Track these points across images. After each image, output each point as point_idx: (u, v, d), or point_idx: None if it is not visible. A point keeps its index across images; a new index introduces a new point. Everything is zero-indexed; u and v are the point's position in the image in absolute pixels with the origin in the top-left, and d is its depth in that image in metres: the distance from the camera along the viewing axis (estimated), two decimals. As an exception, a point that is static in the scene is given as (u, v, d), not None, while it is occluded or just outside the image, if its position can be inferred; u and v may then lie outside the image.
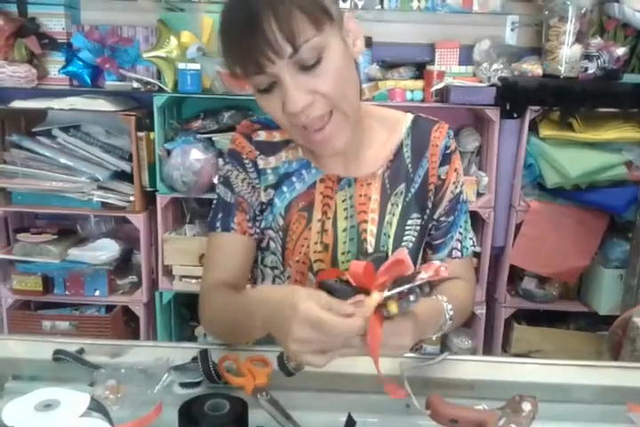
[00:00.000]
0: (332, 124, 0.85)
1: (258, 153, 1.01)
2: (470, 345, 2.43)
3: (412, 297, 0.73)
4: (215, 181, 1.05)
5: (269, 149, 1.01)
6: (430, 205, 1.04)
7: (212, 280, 0.99)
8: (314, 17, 0.78)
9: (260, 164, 1.01)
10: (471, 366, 0.97)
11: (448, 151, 1.03)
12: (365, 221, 1.00)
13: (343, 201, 1.00)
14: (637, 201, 2.18)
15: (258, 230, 1.03)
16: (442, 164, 1.03)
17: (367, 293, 0.72)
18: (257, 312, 0.77)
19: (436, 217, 1.05)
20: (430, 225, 1.06)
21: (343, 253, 1.01)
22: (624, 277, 2.26)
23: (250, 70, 0.80)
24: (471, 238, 1.09)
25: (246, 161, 1.01)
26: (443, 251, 1.07)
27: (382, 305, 0.72)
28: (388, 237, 1.01)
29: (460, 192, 1.06)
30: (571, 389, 0.92)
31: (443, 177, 1.03)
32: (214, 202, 1.04)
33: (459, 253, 1.07)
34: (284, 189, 1.01)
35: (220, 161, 1.04)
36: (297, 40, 0.77)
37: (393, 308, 0.72)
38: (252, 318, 0.78)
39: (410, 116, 1.05)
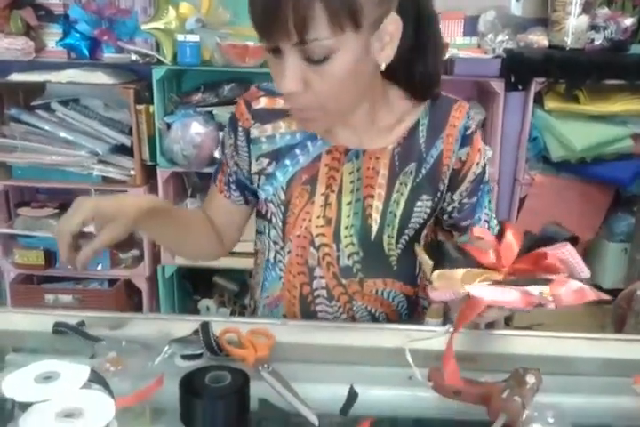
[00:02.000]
0: (314, 112, 0.84)
1: (253, 122, 0.99)
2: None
3: None
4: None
5: (267, 116, 0.98)
6: (442, 187, 1.00)
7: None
8: (335, 20, 0.74)
9: (254, 132, 0.99)
10: (474, 339, 0.96)
11: (468, 132, 0.98)
12: (371, 196, 0.98)
13: (350, 173, 0.97)
14: (643, 174, 2.16)
15: (234, 195, 1.05)
16: (462, 145, 0.98)
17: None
18: None
19: (457, 199, 1.02)
20: (451, 208, 1.03)
21: (346, 228, 0.98)
22: (629, 250, 2.26)
23: (260, 33, 0.78)
24: (495, 218, 1.07)
25: (239, 128, 1.00)
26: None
27: None
28: (395, 216, 0.98)
29: (483, 173, 1.02)
30: (575, 361, 0.91)
31: (463, 159, 0.99)
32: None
33: None
34: (287, 162, 0.98)
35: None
36: (306, 35, 0.74)
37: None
38: None
39: None
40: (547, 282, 0.69)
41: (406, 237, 1.00)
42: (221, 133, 2.13)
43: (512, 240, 0.74)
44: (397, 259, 1.01)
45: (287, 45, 0.76)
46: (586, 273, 0.72)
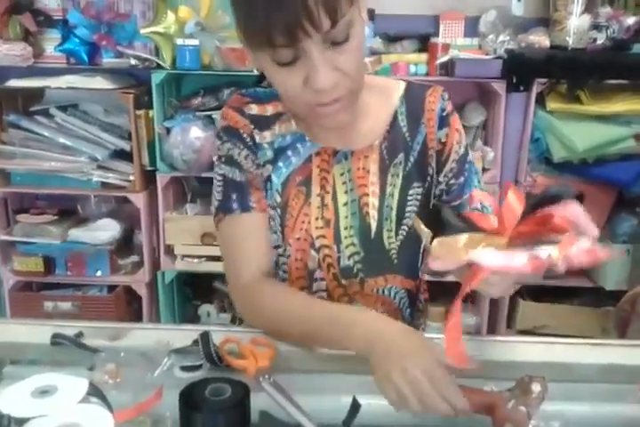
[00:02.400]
0: (344, 102, 0.84)
1: (252, 127, 0.97)
2: (475, 322, 2.42)
3: None
4: (215, 161, 0.99)
5: (263, 123, 0.97)
6: (431, 171, 1.01)
7: (253, 272, 0.94)
8: None
9: (257, 138, 0.97)
10: (478, 346, 0.95)
11: (445, 113, 1.00)
12: (366, 195, 0.98)
13: (341, 175, 0.98)
14: (646, 175, 2.14)
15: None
16: (440, 127, 1.00)
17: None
18: (360, 337, 0.78)
19: (443, 181, 1.02)
20: (439, 191, 1.03)
21: (346, 229, 0.98)
22: (631, 251, 2.24)
23: (278, 42, 0.75)
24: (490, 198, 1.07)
25: (244, 135, 0.97)
26: (461, 211, 1.01)
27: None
28: (391, 209, 0.99)
29: (466, 153, 1.03)
30: (580, 368, 0.90)
31: (443, 140, 1.00)
32: (219, 184, 0.97)
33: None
34: (280, 164, 0.97)
35: (217, 141, 0.98)
36: (337, 14, 0.74)
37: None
38: (346, 339, 0.79)
39: (402, 84, 1.01)
40: (554, 243, 0.65)
41: (405, 228, 1.00)
42: (217, 140, 2.12)
43: (514, 202, 0.70)
44: (397, 252, 1.01)
45: (313, 40, 0.75)
46: (595, 232, 0.68)
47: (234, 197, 0.96)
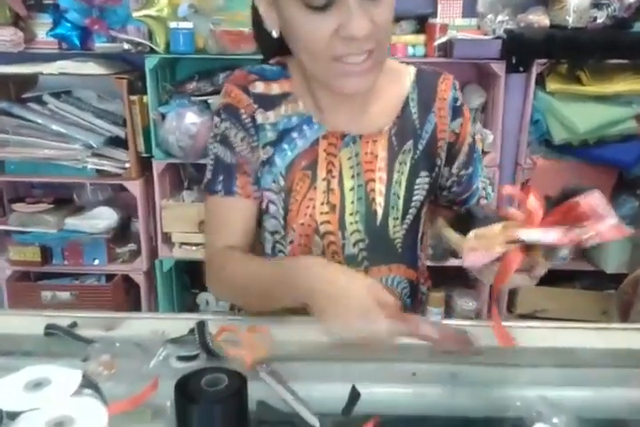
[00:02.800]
0: (372, 59, 0.82)
1: (256, 106, 0.93)
2: (474, 306, 2.41)
3: (564, 251, 0.73)
4: (210, 138, 0.96)
5: (268, 102, 0.94)
6: (439, 162, 0.99)
7: (220, 244, 0.95)
8: None
9: (259, 118, 0.94)
10: (479, 332, 0.93)
11: (458, 104, 0.98)
12: (373, 180, 0.95)
13: (349, 159, 0.95)
14: (647, 156, 2.12)
15: (260, 192, 0.98)
16: (454, 117, 0.98)
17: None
18: (297, 282, 0.79)
19: (455, 172, 1.01)
20: (450, 182, 1.02)
21: (351, 214, 0.96)
22: (632, 234, 2.22)
23: None
24: (490, 184, 1.08)
25: (244, 116, 0.93)
26: (471, 202, 1.04)
27: (526, 248, 0.73)
28: (398, 197, 0.96)
29: (474, 141, 1.02)
30: (582, 352, 0.89)
31: (457, 131, 0.98)
32: (210, 162, 0.97)
33: (484, 201, 1.05)
34: (285, 146, 0.94)
35: (215, 118, 0.94)
36: None
37: (537, 254, 0.73)
38: (287, 288, 0.81)
39: (412, 69, 0.99)
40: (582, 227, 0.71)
41: (410, 217, 0.99)
42: (215, 117, 2.10)
43: (535, 205, 0.76)
44: (402, 241, 1.00)
45: None
46: (615, 218, 0.73)
47: (220, 178, 0.95)
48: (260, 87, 0.94)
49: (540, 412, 0.70)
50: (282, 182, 0.95)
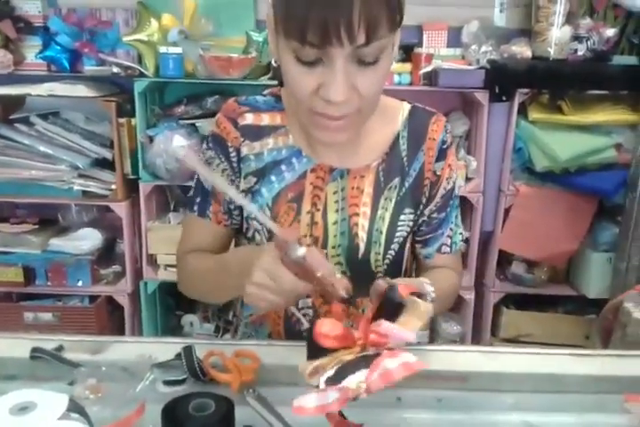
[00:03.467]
0: (350, 119, 0.82)
1: (242, 140, 0.96)
2: (459, 330, 2.42)
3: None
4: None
5: (255, 133, 0.96)
6: (424, 200, 1.00)
7: (187, 249, 1.03)
8: (393, 17, 0.74)
9: (244, 151, 0.96)
10: (462, 357, 0.94)
11: (444, 146, 0.99)
12: (357, 215, 0.96)
13: (334, 193, 0.96)
14: (626, 184, 2.16)
15: (236, 220, 1.01)
16: (438, 159, 0.98)
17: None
18: (234, 269, 0.84)
19: (427, 213, 1.01)
20: (420, 221, 1.02)
21: (334, 247, 0.97)
22: (613, 260, 2.26)
23: (309, 38, 0.72)
24: (461, 233, 1.06)
25: (230, 149, 0.96)
26: (433, 246, 1.03)
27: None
28: (380, 233, 0.97)
29: (453, 188, 1.02)
30: (565, 378, 0.90)
31: (438, 173, 0.99)
32: (194, 181, 1.02)
33: (448, 249, 1.04)
34: (273, 178, 0.96)
35: (204, 144, 0.99)
36: (374, 34, 0.73)
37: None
38: (229, 276, 0.85)
39: (407, 106, 1.00)
40: (370, 361, 0.69)
41: (392, 253, 0.99)
42: (204, 143, 2.11)
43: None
44: (384, 274, 1.00)
45: (343, 50, 0.73)
46: (411, 337, 0.72)
47: (197, 200, 1.01)
48: (249, 119, 0.96)
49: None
50: (268, 213, 0.96)
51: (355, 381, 0.67)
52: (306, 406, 0.66)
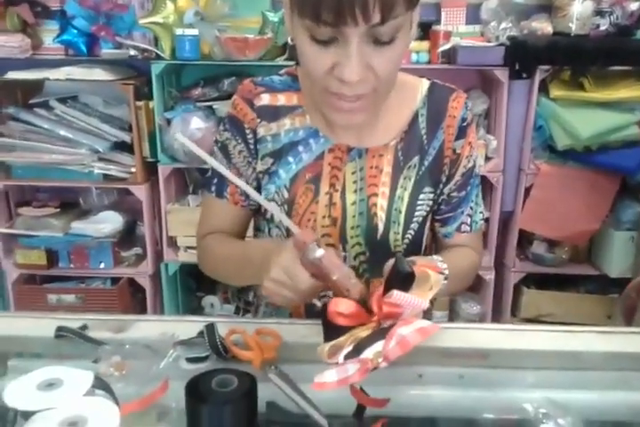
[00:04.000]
0: (365, 99, 0.81)
1: (259, 120, 0.95)
2: (479, 311, 2.42)
3: None
4: (214, 141, 1.01)
5: (271, 114, 0.95)
6: (443, 178, 0.99)
7: (206, 231, 1.03)
8: None
9: (261, 131, 0.96)
10: (484, 335, 0.94)
11: (465, 124, 0.97)
12: (375, 195, 0.95)
13: (353, 173, 0.95)
14: (650, 162, 2.13)
15: (253, 201, 1.01)
16: (458, 137, 0.97)
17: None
18: (255, 260, 0.84)
19: (446, 192, 1.00)
20: (440, 199, 1.01)
21: (352, 228, 0.96)
22: (635, 239, 2.24)
23: (324, 17, 0.71)
24: (481, 212, 1.05)
25: (247, 130, 0.96)
26: (452, 225, 1.02)
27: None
28: (400, 212, 0.96)
29: (474, 166, 1.00)
30: (587, 356, 0.89)
31: (458, 151, 0.98)
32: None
33: (467, 228, 1.03)
34: (290, 159, 0.95)
35: (221, 125, 0.98)
36: (389, 13, 0.71)
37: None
38: (250, 267, 0.86)
39: (426, 83, 0.98)
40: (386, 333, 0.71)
41: (411, 232, 0.98)
42: (221, 125, 2.12)
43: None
44: (403, 254, 0.99)
45: (357, 29, 0.72)
46: (424, 304, 0.74)
47: (214, 181, 1.01)
48: (265, 99, 0.95)
49: (545, 413, 0.71)
50: (285, 195, 0.96)
51: (372, 351, 0.68)
52: (327, 380, 0.67)
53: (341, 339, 0.74)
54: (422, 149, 0.96)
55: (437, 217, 1.04)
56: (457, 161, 0.98)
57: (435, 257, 0.89)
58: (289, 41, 0.90)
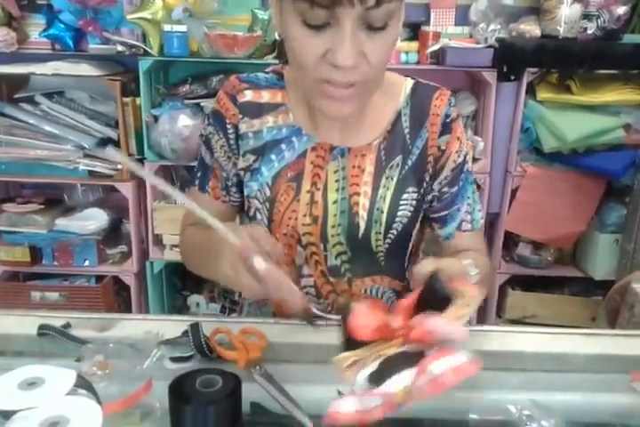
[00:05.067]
0: (356, 89, 0.80)
1: (241, 117, 0.95)
2: (465, 312, 2.42)
3: None
4: (199, 135, 1.03)
5: (254, 110, 0.95)
6: (428, 177, 0.98)
7: (188, 222, 1.04)
8: None
9: (242, 128, 0.95)
10: (471, 337, 0.94)
11: (448, 120, 0.96)
12: (357, 194, 0.95)
13: (335, 172, 0.95)
14: (635, 165, 2.15)
15: (235, 197, 1.02)
16: (442, 133, 0.96)
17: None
18: (214, 251, 0.80)
19: (436, 188, 0.99)
20: (431, 197, 1.00)
21: (333, 227, 0.96)
22: (620, 241, 2.25)
23: (321, 2, 0.71)
24: (480, 210, 1.04)
25: (228, 126, 0.96)
26: (451, 224, 1.01)
27: None
28: (382, 212, 0.96)
29: (464, 161, 0.99)
30: (571, 358, 0.90)
31: (443, 147, 0.97)
32: (199, 155, 1.03)
33: (469, 226, 1.01)
34: (272, 157, 0.95)
35: (206, 119, 0.99)
36: None
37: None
38: (210, 256, 0.82)
39: (409, 82, 0.97)
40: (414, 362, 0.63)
41: (394, 232, 0.98)
42: (206, 119, 2.10)
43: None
44: (385, 255, 0.99)
45: (352, 11, 0.72)
46: (462, 336, 0.65)
47: (198, 174, 1.02)
48: (248, 96, 0.95)
49: (529, 415, 0.71)
50: (267, 193, 0.96)
51: (399, 385, 0.61)
52: (344, 411, 0.60)
53: (362, 353, 0.68)
54: (405, 148, 0.96)
55: (434, 216, 1.02)
56: (442, 157, 0.97)
57: (464, 261, 0.82)
58: (276, 36, 0.90)
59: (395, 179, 0.96)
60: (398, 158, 0.96)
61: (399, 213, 0.97)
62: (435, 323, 0.63)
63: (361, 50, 0.75)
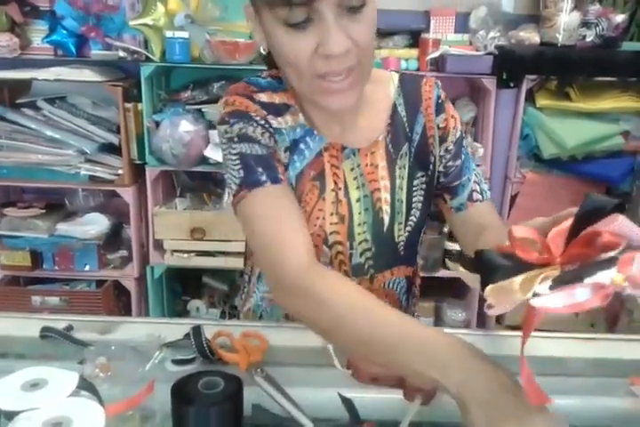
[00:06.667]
0: (353, 77, 0.82)
1: (265, 113, 0.91)
2: (464, 317, 2.43)
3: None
4: (224, 145, 0.90)
5: (273, 110, 0.92)
6: (433, 159, 1.00)
7: (301, 256, 0.82)
8: None
9: (274, 123, 0.92)
10: (467, 341, 0.94)
11: (440, 101, 0.99)
12: (378, 190, 0.97)
13: (351, 170, 0.96)
14: (634, 171, 2.16)
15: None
16: (437, 113, 0.99)
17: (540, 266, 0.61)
18: (444, 363, 0.67)
19: (443, 163, 1.01)
20: (437, 174, 1.01)
21: (359, 225, 0.97)
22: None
23: None
24: (486, 183, 1.05)
25: (257, 118, 0.89)
26: (462, 193, 1.00)
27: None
28: (402, 202, 0.98)
29: (462, 136, 1.02)
30: (570, 362, 0.91)
31: (442, 125, 0.99)
32: (236, 164, 0.88)
33: (479, 196, 1.01)
34: (295, 157, 0.94)
35: (222, 126, 0.89)
36: None
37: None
38: (423, 363, 0.67)
39: (396, 76, 1.00)
40: (611, 263, 0.58)
41: (413, 218, 1.00)
42: (211, 131, 2.12)
43: (554, 242, 0.63)
44: (405, 242, 1.01)
45: (329, 1, 0.74)
46: None
47: (260, 170, 0.86)
48: (263, 97, 0.92)
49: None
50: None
51: (605, 277, 0.57)
52: (555, 305, 0.57)
53: (522, 276, 0.62)
54: (407, 136, 0.98)
55: (445, 187, 1.01)
56: (443, 134, 1.00)
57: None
58: (262, 51, 0.89)
59: (406, 166, 0.98)
60: (405, 147, 0.98)
61: (414, 200, 0.99)
62: (622, 223, 0.58)
63: (348, 35, 0.77)
